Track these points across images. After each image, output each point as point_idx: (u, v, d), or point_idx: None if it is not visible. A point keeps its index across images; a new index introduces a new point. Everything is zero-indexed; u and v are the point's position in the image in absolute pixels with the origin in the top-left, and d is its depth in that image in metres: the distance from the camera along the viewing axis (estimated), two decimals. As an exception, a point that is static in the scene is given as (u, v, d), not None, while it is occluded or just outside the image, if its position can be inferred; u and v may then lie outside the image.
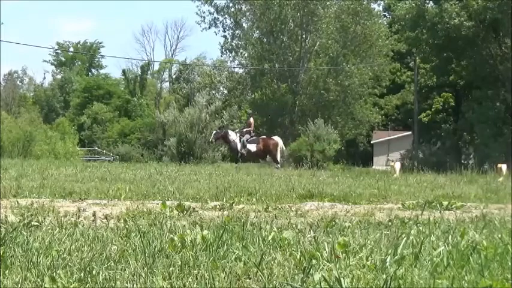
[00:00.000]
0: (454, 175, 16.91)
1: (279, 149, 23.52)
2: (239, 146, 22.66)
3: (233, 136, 22.89)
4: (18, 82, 72.62)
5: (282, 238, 4.05)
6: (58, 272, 3.12)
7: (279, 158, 23.40)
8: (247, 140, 22.84)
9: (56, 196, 7.40)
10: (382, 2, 52.90)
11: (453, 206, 7.15)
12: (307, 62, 45.32)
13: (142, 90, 65.16)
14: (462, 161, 37.91)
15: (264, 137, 24.67)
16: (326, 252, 3.54)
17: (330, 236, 4.34)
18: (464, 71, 41.14)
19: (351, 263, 3.31)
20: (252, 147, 22.86)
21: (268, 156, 23.55)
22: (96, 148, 51.14)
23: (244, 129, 23.57)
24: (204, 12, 47.11)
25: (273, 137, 24.75)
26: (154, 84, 72.71)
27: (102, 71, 76.80)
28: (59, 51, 74.74)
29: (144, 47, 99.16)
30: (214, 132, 23.71)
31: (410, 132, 49.23)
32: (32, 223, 4.73)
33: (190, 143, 28.15)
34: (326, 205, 7.33)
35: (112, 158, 40.96)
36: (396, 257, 3.40)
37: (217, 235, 3.99)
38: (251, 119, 24.59)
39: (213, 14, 46.93)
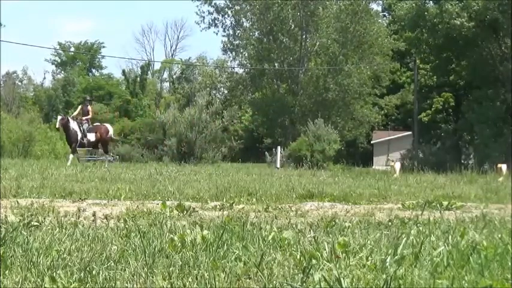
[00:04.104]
0: (454, 175, 16.94)
1: (109, 138, 22.60)
2: (79, 135, 21.28)
3: (73, 124, 21.31)
4: (17, 82, 72.57)
5: (282, 238, 4.05)
6: (58, 272, 3.12)
7: (109, 149, 22.47)
8: (86, 129, 21.64)
9: (56, 196, 7.41)
10: (381, 2, 52.96)
11: (453, 206, 7.16)
12: (307, 62, 45.32)
13: (142, 91, 65.17)
14: (462, 161, 37.91)
15: (98, 124, 23.15)
16: (326, 252, 3.54)
17: (330, 236, 4.34)
18: (464, 71, 41.13)
19: (351, 263, 3.31)
20: (91, 137, 21.71)
21: (100, 146, 22.26)
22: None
23: (84, 118, 21.91)
24: (203, 12, 47.15)
25: (105, 124, 23.54)
26: (155, 84, 72.72)
27: (103, 72, 76.85)
28: (60, 52, 74.69)
29: (144, 47, 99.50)
30: (60, 118, 21.62)
31: (410, 132, 49.21)
32: (32, 223, 4.73)
33: (190, 143, 28.15)
34: (326, 205, 7.33)
35: (112, 158, 40.91)
36: (396, 257, 3.40)
37: (217, 235, 3.99)
38: (89, 106, 22.81)
39: (212, 14, 46.96)
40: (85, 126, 21.67)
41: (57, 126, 21.94)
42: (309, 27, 44.11)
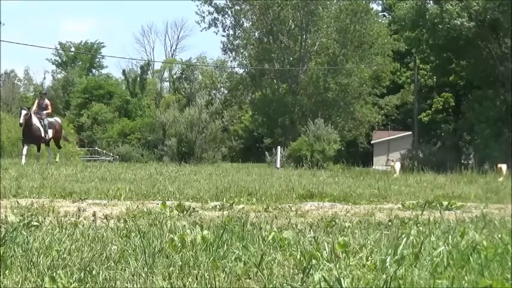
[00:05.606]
0: (454, 175, 16.91)
1: (61, 135, 21.75)
2: (42, 131, 20.16)
3: (35, 120, 20.02)
4: (17, 82, 72.58)
5: (282, 238, 4.05)
6: (58, 272, 3.12)
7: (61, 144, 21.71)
8: (47, 125, 20.58)
9: (56, 196, 7.40)
10: (381, 2, 52.98)
11: (453, 206, 7.14)
12: (307, 62, 45.34)
13: (142, 91, 65.20)
14: (462, 161, 37.88)
15: (52, 120, 21.67)
16: (326, 252, 3.54)
17: (330, 236, 4.34)
18: (464, 71, 41.12)
19: (351, 263, 3.31)
20: (50, 133, 20.70)
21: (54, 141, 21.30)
22: (97, 148, 51.16)
23: (44, 112, 20.68)
24: (203, 12, 47.21)
25: (56, 119, 22.51)
26: (155, 84, 72.74)
27: (103, 71, 76.88)
28: (61, 52, 74.67)
29: (144, 47, 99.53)
30: (24, 113, 19.67)
31: (410, 132, 49.23)
32: (32, 223, 4.73)
33: (190, 143, 28.17)
34: (326, 205, 7.32)
35: (112, 158, 40.97)
36: (396, 257, 3.40)
37: (217, 235, 3.99)
38: (47, 100, 21.36)
39: (212, 14, 47.02)
40: (45, 121, 20.59)
41: (21, 121, 19.67)
42: (309, 27, 44.13)
